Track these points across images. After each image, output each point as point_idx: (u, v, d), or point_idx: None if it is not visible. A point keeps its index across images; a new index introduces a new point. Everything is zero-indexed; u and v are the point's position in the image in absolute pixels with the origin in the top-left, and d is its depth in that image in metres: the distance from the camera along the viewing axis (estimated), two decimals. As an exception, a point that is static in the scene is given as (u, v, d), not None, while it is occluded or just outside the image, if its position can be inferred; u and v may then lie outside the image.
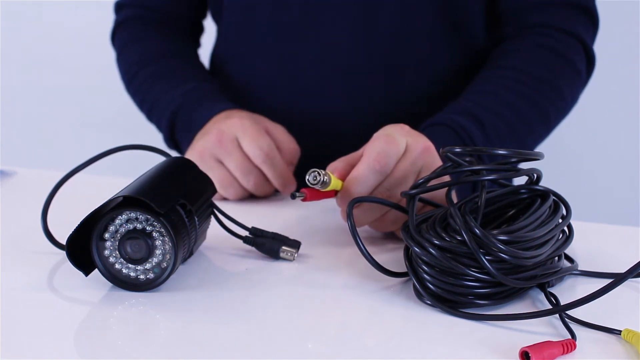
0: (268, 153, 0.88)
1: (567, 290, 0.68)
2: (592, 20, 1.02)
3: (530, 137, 0.97)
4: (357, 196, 0.73)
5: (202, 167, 0.76)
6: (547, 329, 0.61)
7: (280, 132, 0.94)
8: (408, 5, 1.00)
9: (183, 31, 1.14)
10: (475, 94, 0.95)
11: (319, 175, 0.72)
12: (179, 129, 1.00)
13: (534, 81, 0.96)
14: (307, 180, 0.72)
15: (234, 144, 0.88)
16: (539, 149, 0.94)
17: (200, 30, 1.18)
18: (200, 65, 1.11)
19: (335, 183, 0.74)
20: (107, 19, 1.19)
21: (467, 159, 0.68)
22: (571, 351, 0.57)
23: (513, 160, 0.68)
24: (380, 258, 0.69)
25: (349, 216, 0.69)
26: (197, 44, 1.18)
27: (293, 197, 0.73)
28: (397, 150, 0.75)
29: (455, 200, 0.76)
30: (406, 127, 0.79)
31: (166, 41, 1.09)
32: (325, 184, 0.72)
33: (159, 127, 1.05)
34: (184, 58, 1.09)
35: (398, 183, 0.75)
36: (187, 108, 0.98)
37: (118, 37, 1.13)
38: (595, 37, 1.03)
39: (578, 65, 0.99)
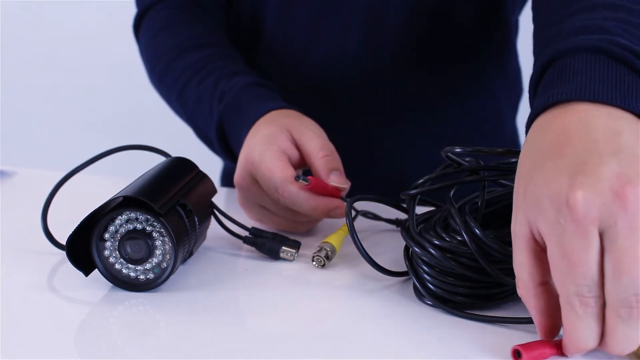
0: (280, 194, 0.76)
1: (567, 291, 0.68)
2: None
3: None
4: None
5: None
6: (547, 329, 0.60)
7: (308, 138, 0.79)
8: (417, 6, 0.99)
9: (216, 16, 1.05)
10: (572, 15, 0.65)
11: (320, 255, 0.71)
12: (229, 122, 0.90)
13: None
14: (314, 265, 0.71)
15: (252, 188, 0.79)
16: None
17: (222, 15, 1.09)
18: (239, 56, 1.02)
19: (337, 241, 0.73)
20: (108, 19, 1.18)
21: (467, 159, 0.68)
22: (569, 351, 0.57)
23: (513, 160, 0.68)
24: (380, 258, 0.69)
25: (348, 215, 0.69)
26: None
27: (297, 179, 0.72)
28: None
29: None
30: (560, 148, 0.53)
31: (214, 29, 1.01)
32: (330, 257, 0.71)
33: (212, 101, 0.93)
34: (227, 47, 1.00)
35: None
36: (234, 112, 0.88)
37: (152, 18, 1.03)
38: None
39: None
